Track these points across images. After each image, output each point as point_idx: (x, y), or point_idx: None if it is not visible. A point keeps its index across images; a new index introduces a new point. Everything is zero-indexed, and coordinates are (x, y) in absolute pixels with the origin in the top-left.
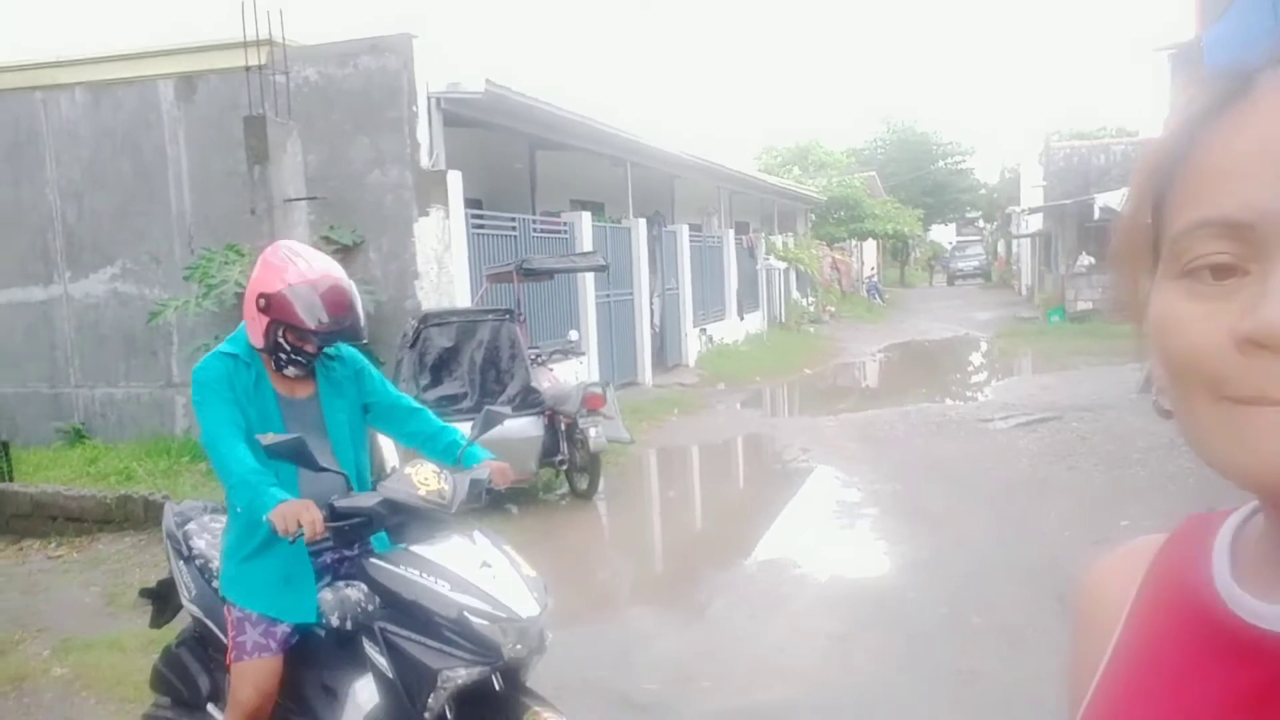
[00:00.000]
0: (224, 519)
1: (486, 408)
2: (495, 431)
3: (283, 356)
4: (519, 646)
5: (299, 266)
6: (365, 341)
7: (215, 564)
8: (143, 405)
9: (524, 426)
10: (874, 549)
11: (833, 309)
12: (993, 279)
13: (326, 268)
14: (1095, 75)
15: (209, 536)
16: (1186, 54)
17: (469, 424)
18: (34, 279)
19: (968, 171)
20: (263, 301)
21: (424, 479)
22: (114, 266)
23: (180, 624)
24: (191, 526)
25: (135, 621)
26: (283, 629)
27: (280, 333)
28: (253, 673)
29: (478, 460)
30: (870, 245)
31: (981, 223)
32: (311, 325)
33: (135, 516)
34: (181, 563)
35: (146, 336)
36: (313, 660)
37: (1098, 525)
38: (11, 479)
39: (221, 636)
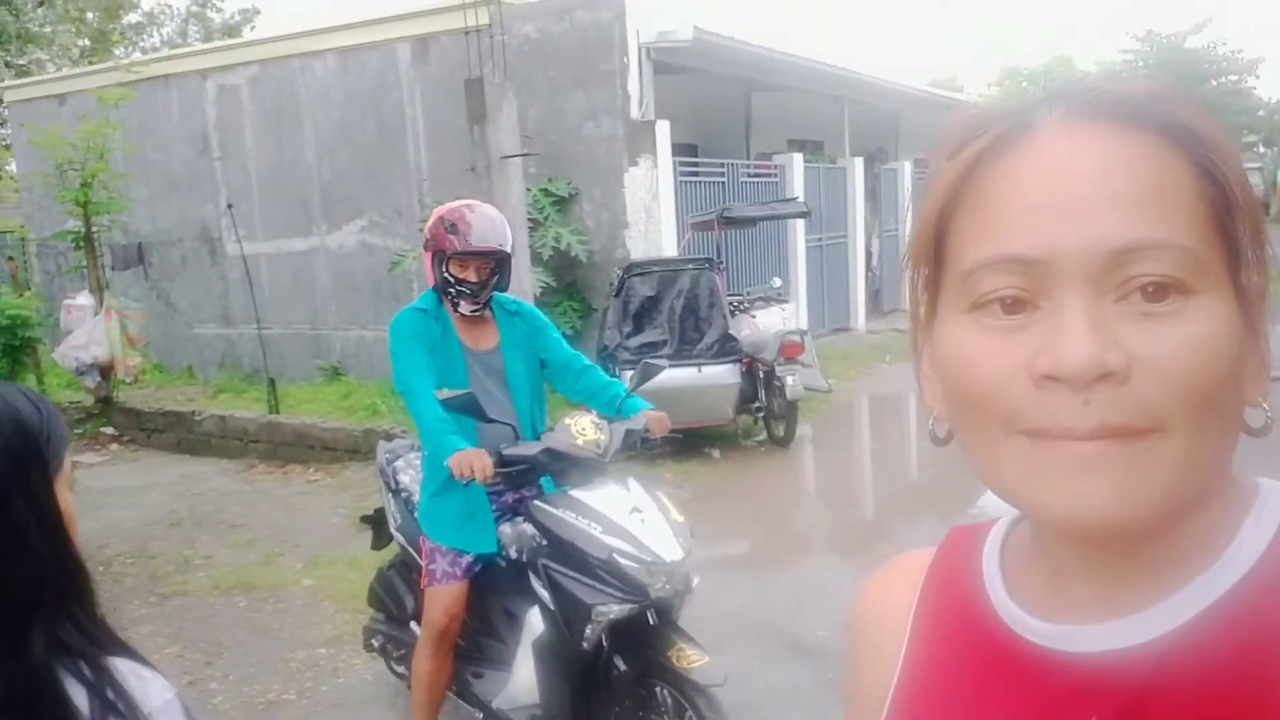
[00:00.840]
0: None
1: (644, 360)
2: (694, 379)
3: (452, 291)
4: (665, 586)
5: (452, 205)
6: (509, 256)
7: (416, 497)
8: (388, 346)
9: (720, 373)
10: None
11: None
12: (1271, 212)
13: (476, 202)
14: None
15: (413, 472)
16: None
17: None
18: (297, 231)
19: (1248, 91)
20: (426, 240)
21: (582, 429)
22: (362, 219)
23: (395, 548)
24: (399, 463)
25: (366, 541)
26: (467, 559)
27: (444, 266)
28: (442, 597)
29: (636, 411)
30: None
31: (1261, 148)
32: (458, 245)
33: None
34: (390, 495)
35: (390, 284)
36: (496, 587)
37: None
38: (277, 411)
39: (420, 562)
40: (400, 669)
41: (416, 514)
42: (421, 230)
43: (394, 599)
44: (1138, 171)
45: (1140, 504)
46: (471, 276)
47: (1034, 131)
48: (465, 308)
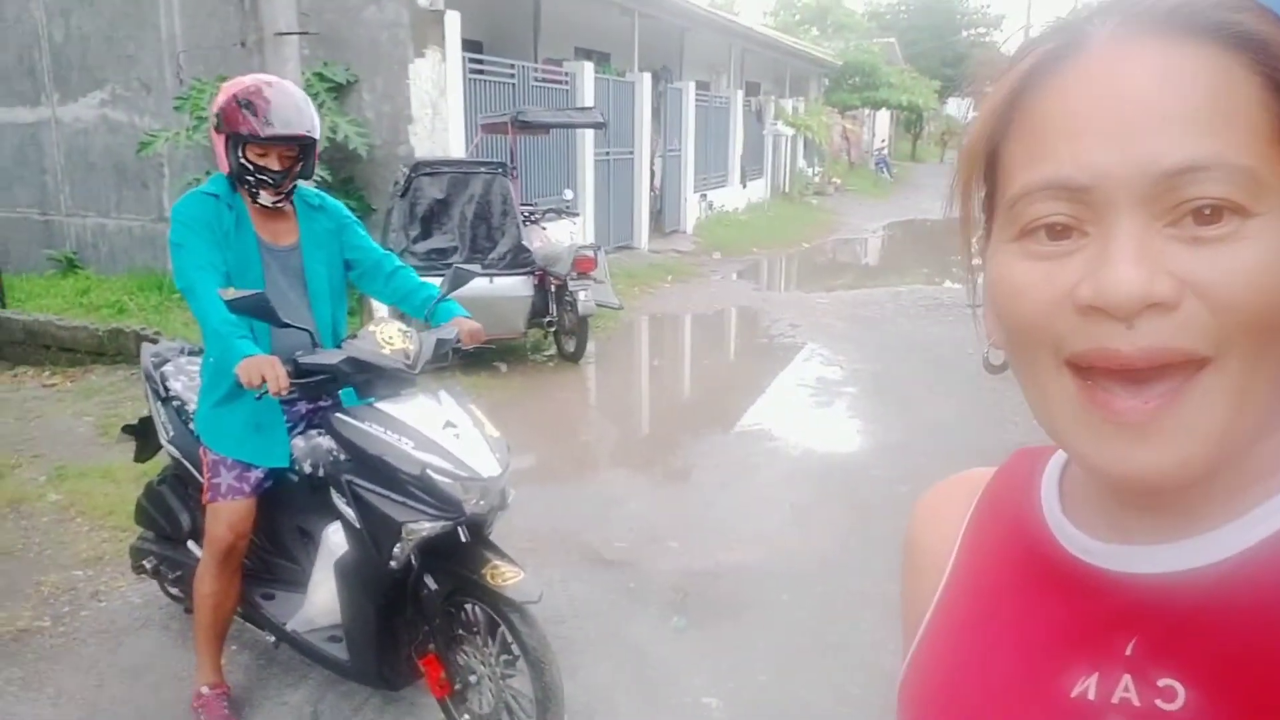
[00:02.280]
0: (200, 361)
1: (455, 265)
2: (485, 290)
3: (250, 180)
4: (481, 503)
5: (245, 80)
6: (315, 142)
7: (192, 406)
8: (134, 238)
9: (514, 285)
10: (847, 427)
11: (838, 181)
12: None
13: (273, 77)
14: None
15: (185, 378)
16: None
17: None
18: (21, 99)
19: (992, 45)
20: (216, 120)
21: (389, 338)
22: (103, 91)
23: (164, 460)
24: (169, 368)
25: (126, 453)
26: (255, 473)
27: (240, 150)
28: (227, 513)
29: (447, 318)
30: (883, 116)
31: None
32: (258, 129)
33: (127, 350)
34: (159, 404)
35: (138, 167)
36: (287, 503)
37: None
38: (4, 305)
39: (199, 476)
40: (175, 591)
41: (193, 424)
42: (177, 108)
43: (167, 516)
44: (1193, 85)
45: (1189, 458)
46: (274, 164)
47: (1084, 48)
48: (266, 198)
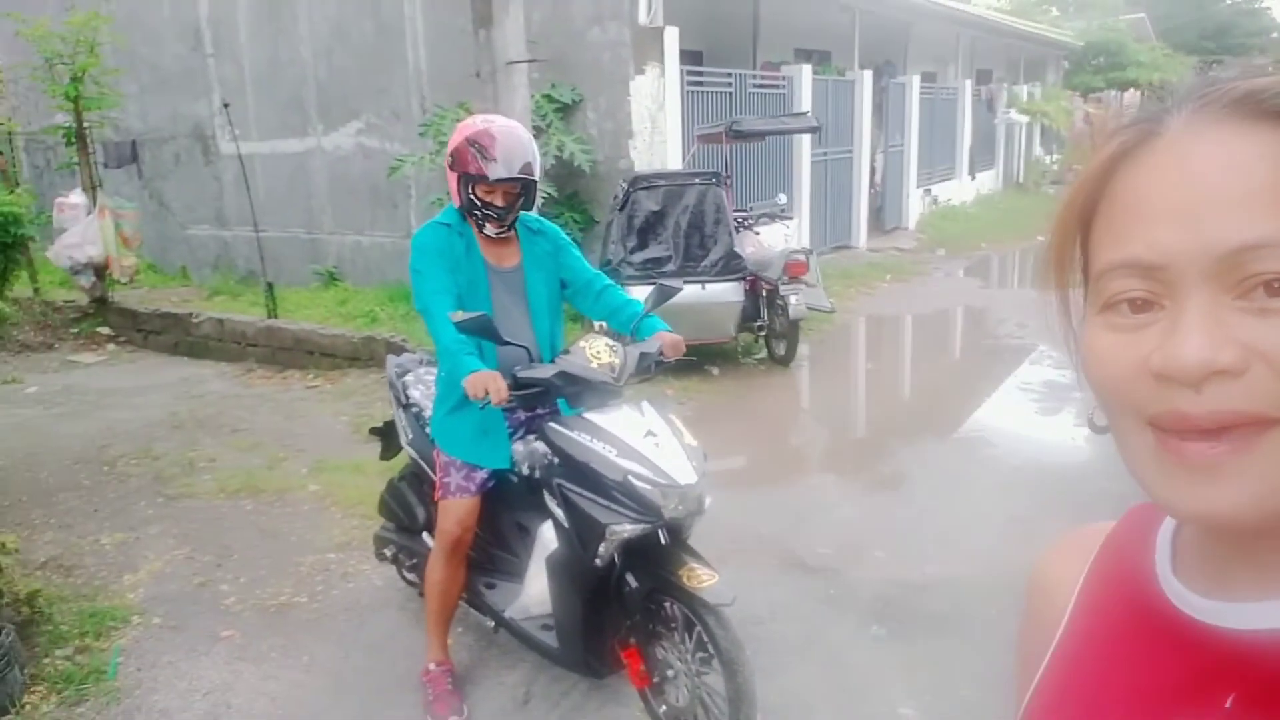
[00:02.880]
0: (436, 372)
1: (659, 283)
2: (698, 296)
3: (478, 214)
4: (679, 508)
5: (476, 122)
6: (535, 180)
7: (428, 413)
8: (385, 253)
9: (725, 291)
10: (1074, 435)
11: (1079, 168)
12: None
13: (500, 119)
14: None
15: (423, 387)
16: None
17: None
18: (292, 131)
19: (1262, 11)
20: (450, 159)
21: (597, 352)
22: (359, 121)
23: (404, 459)
24: (409, 378)
25: (374, 451)
26: (480, 474)
27: (470, 188)
28: (455, 509)
29: (650, 333)
30: (1133, 97)
31: (1272, 69)
32: (487, 172)
33: (378, 355)
34: (400, 410)
35: (388, 189)
36: (508, 502)
37: None
38: (276, 315)
39: (432, 475)
40: (411, 577)
41: (429, 429)
42: (422, 134)
43: (405, 510)
44: (1255, 168)
45: (1260, 499)
46: (499, 201)
47: (1161, 135)
48: (491, 230)
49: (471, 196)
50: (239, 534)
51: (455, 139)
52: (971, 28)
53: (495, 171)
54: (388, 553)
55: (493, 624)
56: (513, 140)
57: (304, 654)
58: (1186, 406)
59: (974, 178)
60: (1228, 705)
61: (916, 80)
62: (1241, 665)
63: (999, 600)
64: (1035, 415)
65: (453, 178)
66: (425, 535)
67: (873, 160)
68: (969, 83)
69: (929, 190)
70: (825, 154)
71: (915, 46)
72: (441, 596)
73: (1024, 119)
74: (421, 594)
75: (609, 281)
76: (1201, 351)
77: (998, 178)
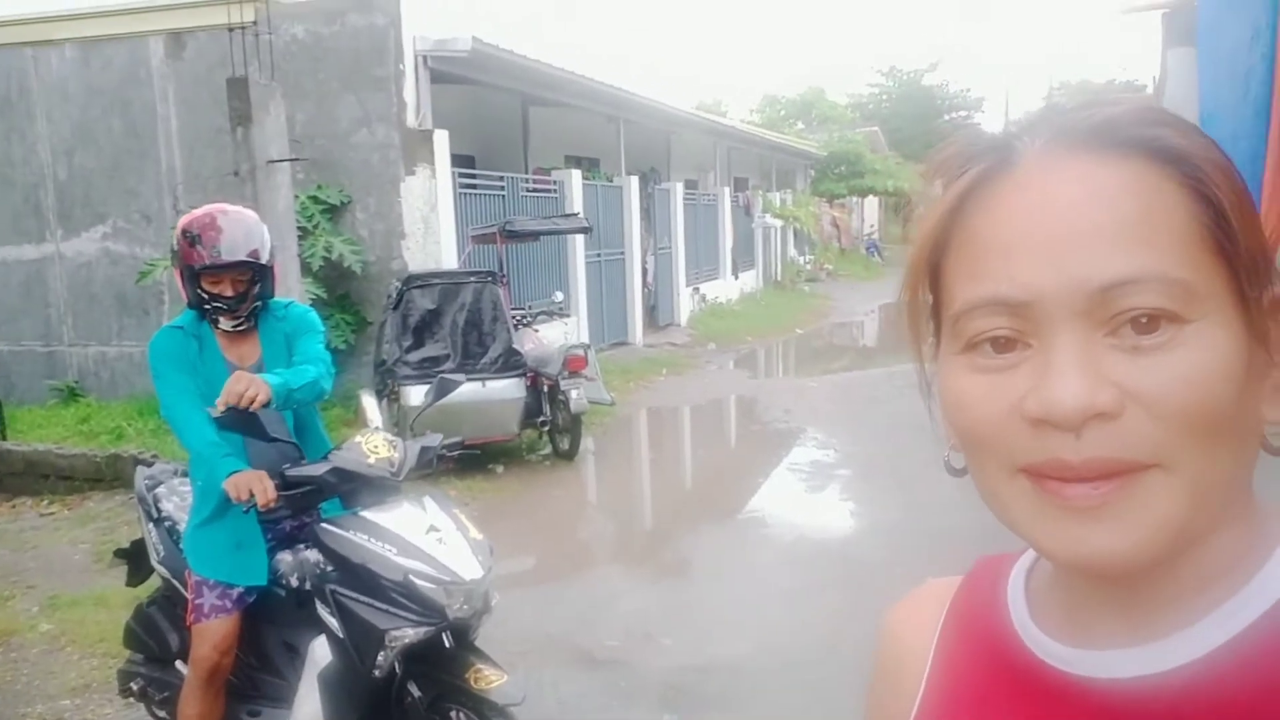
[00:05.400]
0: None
1: (440, 376)
2: (479, 394)
3: (208, 309)
4: (464, 607)
5: (196, 214)
6: (265, 264)
7: (182, 526)
8: (135, 364)
9: (506, 388)
10: (842, 510)
11: (830, 267)
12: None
13: (229, 207)
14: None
15: (178, 499)
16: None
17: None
18: (27, 236)
19: (975, 126)
20: (172, 256)
21: (374, 447)
22: (105, 225)
23: (155, 583)
24: (161, 490)
25: (118, 579)
26: (237, 590)
27: (196, 283)
28: (211, 633)
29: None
30: (872, 202)
31: None
32: (207, 259)
33: (125, 475)
34: (151, 525)
35: (138, 295)
36: (274, 619)
37: None
38: (5, 437)
39: (187, 596)
40: (163, 713)
41: (181, 544)
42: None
43: (155, 637)
44: (1119, 201)
45: (1142, 543)
46: (227, 291)
47: (1015, 165)
48: (225, 324)
49: (199, 291)
50: None
51: (176, 234)
52: (727, 138)
53: (215, 256)
54: (134, 687)
55: None
56: (235, 225)
57: None
58: (1067, 455)
59: (737, 277)
60: None
61: (680, 187)
62: (1117, 715)
63: (780, 676)
64: (804, 493)
65: (179, 275)
66: (179, 664)
67: (644, 261)
68: (727, 189)
69: (698, 289)
70: (599, 255)
71: (677, 155)
72: None
73: (778, 223)
74: None
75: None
76: (1081, 394)
77: (758, 277)
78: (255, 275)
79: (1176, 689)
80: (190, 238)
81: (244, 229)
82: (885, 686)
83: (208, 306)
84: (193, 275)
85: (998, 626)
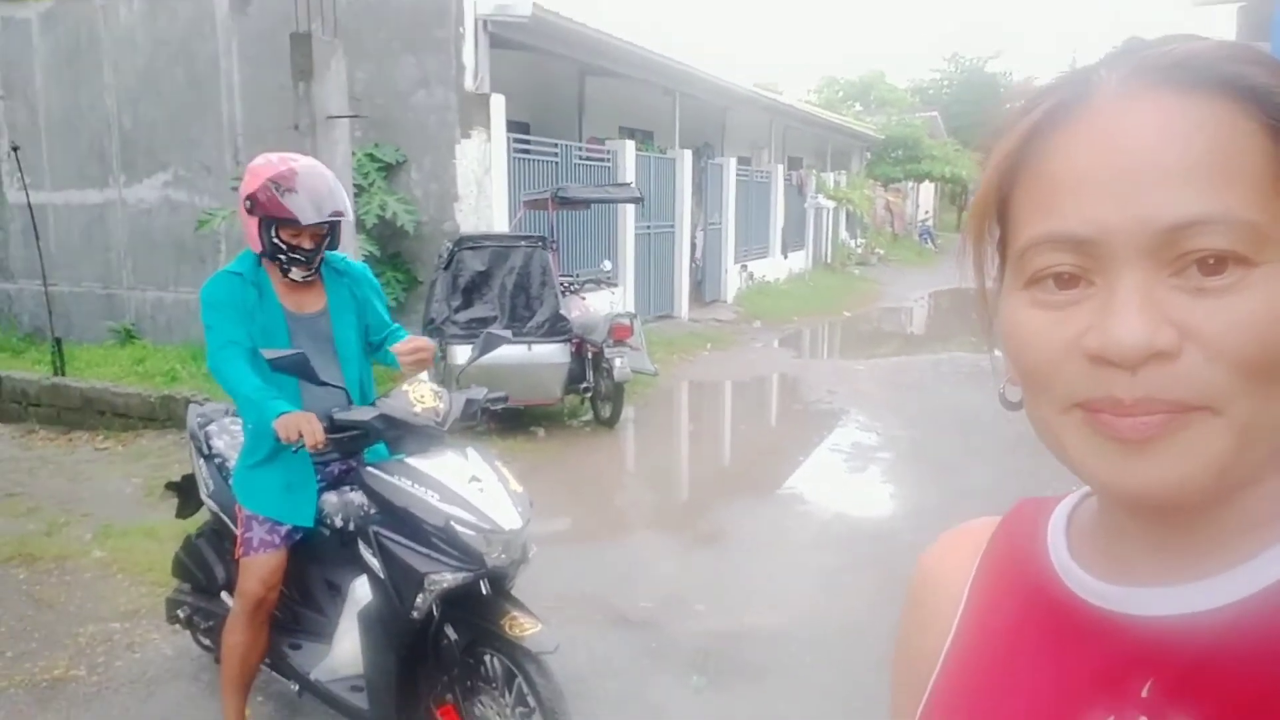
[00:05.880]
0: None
1: (486, 331)
2: (523, 356)
3: (283, 258)
4: (502, 556)
5: (274, 163)
6: (348, 218)
7: (232, 463)
8: (190, 310)
9: (551, 353)
10: (881, 492)
11: (881, 251)
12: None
13: (303, 159)
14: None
15: (228, 437)
16: (1254, 8)
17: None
18: (90, 182)
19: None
20: (249, 204)
21: (420, 396)
22: (166, 173)
23: (203, 516)
24: (213, 427)
25: (168, 512)
26: (286, 527)
27: (274, 232)
28: (257, 567)
29: (395, 341)
30: (927, 188)
31: None
32: (296, 215)
33: (177, 415)
34: (202, 460)
35: (196, 243)
36: (318, 557)
37: None
38: (64, 374)
39: (235, 530)
40: (207, 641)
41: (231, 480)
42: (234, 188)
43: (203, 569)
44: (1193, 139)
45: (1189, 479)
46: (306, 243)
47: (1090, 100)
48: (298, 274)
49: (275, 241)
50: (8, 604)
51: (252, 181)
52: (783, 116)
53: (306, 216)
54: (181, 615)
55: (297, 688)
56: (318, 180)
57: None
58: (1120, 392)
59: (786, 257)
60: (1144, 694)
61: (733, 162)
62: (1155, 652)
63: (812, 649)
64: (844, 474)
65: (252, 222)
66: (225, 595)
67: (693, 236)
68: (781, 168)
69: (745, 266)
70: (649, 227)
71: (731, 131)
72: (241, 661)
73: (831, 204)
74: (218, 660)
75: (397, 326)
76: (1141, 333)
77: (808, 257)
78: (331, 228)
79: (1217, 628)
80: (279, 190)
81: (327, 184)
82: (916, 623)
83: (282, 256)
84: (273, 225)
85: (1036, 563)
